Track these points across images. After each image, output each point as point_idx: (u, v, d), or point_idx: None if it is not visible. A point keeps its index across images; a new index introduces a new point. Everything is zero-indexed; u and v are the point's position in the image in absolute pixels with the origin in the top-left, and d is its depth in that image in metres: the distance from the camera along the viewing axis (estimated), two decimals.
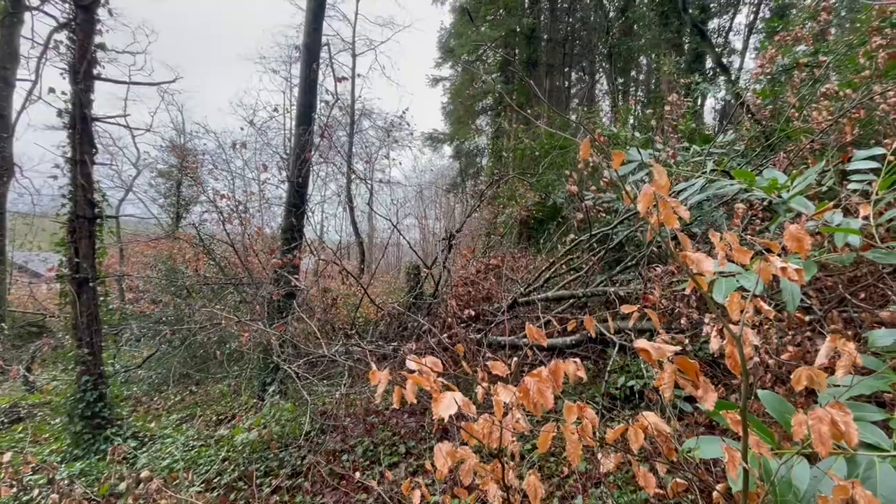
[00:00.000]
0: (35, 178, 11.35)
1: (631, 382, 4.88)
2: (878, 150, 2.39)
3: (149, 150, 19.65)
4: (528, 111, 15.50)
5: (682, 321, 4.42)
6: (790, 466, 1.20)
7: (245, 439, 4.75)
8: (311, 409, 4.32)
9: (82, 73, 5.24)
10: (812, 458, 1.31)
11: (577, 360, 1.31)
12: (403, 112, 12.11)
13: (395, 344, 6.20)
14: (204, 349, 7.18)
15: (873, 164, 2.37)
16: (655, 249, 6.10)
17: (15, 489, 2.96)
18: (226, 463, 4.49)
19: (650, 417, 1.10)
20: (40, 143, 19.58)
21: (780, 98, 7.00)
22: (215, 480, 4.17)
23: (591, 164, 5.29)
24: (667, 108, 8.02)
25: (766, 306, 0.95)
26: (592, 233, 5.77)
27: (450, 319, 5.60)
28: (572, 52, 19.80)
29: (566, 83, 21.18)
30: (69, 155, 5.38)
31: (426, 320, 6.15)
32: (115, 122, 6.06)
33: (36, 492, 2.99)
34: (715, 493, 1.26)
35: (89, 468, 4.27)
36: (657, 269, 4.57)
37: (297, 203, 7.67)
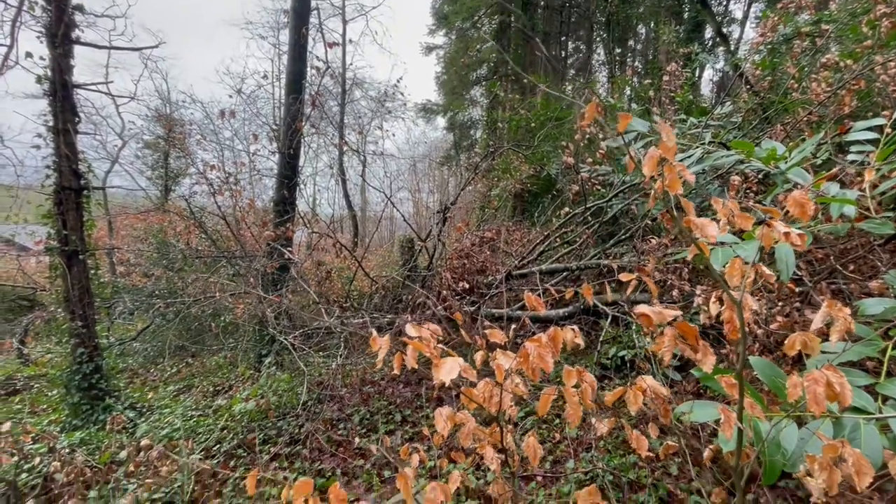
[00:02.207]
0: (17, 148, 11.01)
1: (622, 353, 4.97)
2: (879, 121, 2.38)
3: (134, 120, 19.05)
4: (525, 81, 15.19)
5: (675, 293, 4.49)
6: (780, 429, 1.25)
7: (243, 409, 4.82)
8: (308, 379, 4.37)
9: (60, 36, 5.01)
10: (799, 422, 1.36)
11: (575, 327, 1.32)
12: (398, 80, 11.78)
13: (391, 316, 6.25)
14: (199, 322, 7.19)
15: (872, 136, 2.36)
16: (650, 222, 6.12)
17: (16, 458, 2.99)
18: (224, 432, 4.56)
19: (648, 381, 1.13)
20: (20, 111, 18.87)
21: (779, 69, 6.90)
22: (215, 448, 4.24)
23: (588, 136, 5.22)
24: (665, 78, 7.90)
25: (767, 271, 0.95)
26: (587, 205, 5.76)
27: (444, 292, 5.63)
28: (569, 20, 19.28)
29: (563, 52, 20.70)
30: (51, 124, 5.20)
31: (421, 293, 6.18)
32: (97, 89, 5.84)
33: (37, 460, 3.03)
34: (706, 454, 1.30)
35: (89, 437, 4.32)
36: (652, 241, 4.58)
37: (288, 175, 7.54)
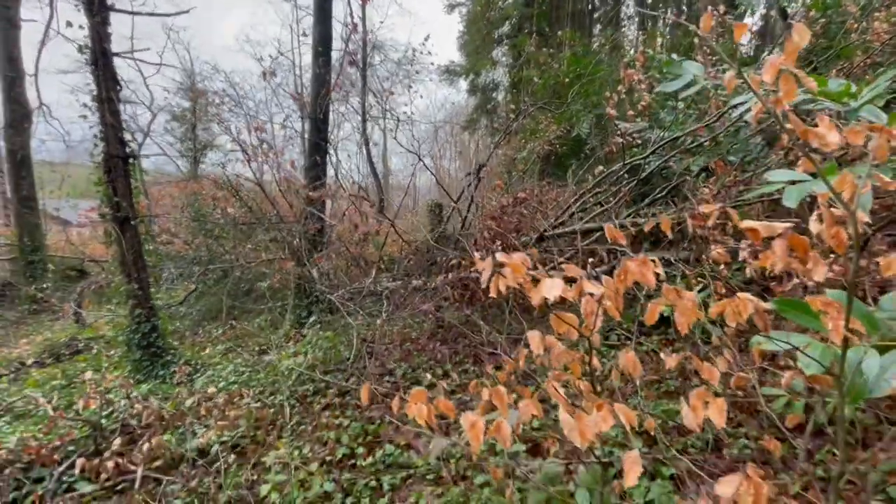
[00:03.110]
0: (55, 124, 11.37)
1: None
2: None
3: (161, 93, 19.32)
4: (550, 38, 14.56)
5: (719, 249, 4.42)
6: (862, 355, 1.26)
7: (292, 364, 5.09)
8: (356, 333, 4.55)
9: (97, 3, 5.06)
10: (881, 351, 1.37)
11: (656, 258, 1.34)
12: (425, 40, 11.46)
13: (424, 278, 6.38)
14: (241, 286, 7.50)
15: None
16: (691, 178, 5.95)
17: (100, 401, 3.28)
18: (276, 384, 4.84)
19: (745, 297, 1.14)
20: (53, 87, 19.33)
21: (832, 10, 6.42)
22: (269, 399, 4.52)
23: (631, 86, 5.04)
24: (708, 23, 7.44)
25: (886, 178, 0.94)
26: (626, 161, 5.63)
27: (479, 252, 5.68)
28: None
29: (589, 6, 19.65)
30: (95, 93, 5.34)
31: (454, 254, 6.24)
32: (135, 57, 5.93)
33: (122, 402, 3.31)
34: (785, 377, 1.33)
35: (155, 388, 4.67)
36: (706, 189, 4.48)
37: (318, 141, 7.58)
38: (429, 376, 4.65)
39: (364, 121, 15.06)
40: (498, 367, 4.88)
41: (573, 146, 10.94)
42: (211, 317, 8.77)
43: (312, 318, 5.67)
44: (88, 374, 3.41)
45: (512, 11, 17.83)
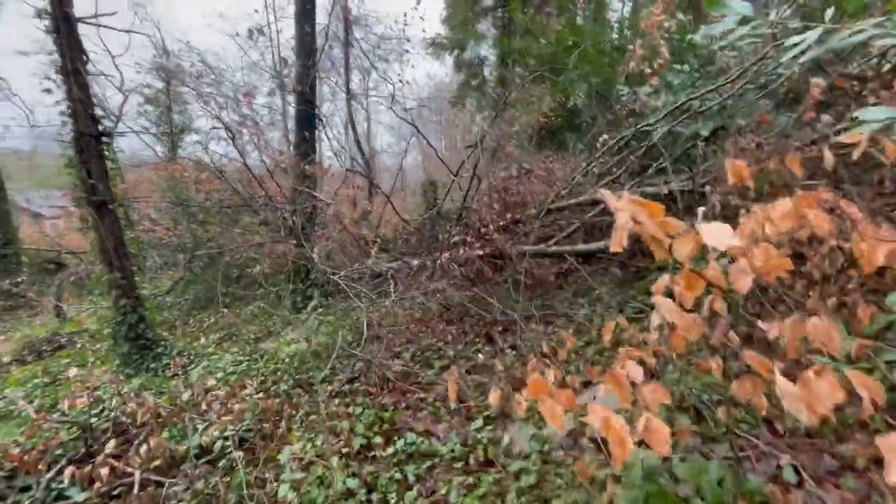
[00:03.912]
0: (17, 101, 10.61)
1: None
2: None
3: (131, 73, 18.24)
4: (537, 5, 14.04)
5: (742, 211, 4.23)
6: None
7: (293, 351, 4.80)
8: (363, 315, 4.28)
9: None
10: None
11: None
12: (417, 5, 10.82)
13: (427, 257, 6.10)
14: (239, 270, 7.12)
15: None
16: (701, 144, 5.73)
17: (88, 399, 2.98)
18: (278, 373, 4.56)
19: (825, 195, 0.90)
20: (13, 70, 18.14)
21: None
22: (272, 389, 4.25)
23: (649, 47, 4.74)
24: None
25: None
26: (637, 127, 5.37)
27: (484, 228, 5.42)
28: None
29: None
30: (59, 66, 4.83)
31: (458, 230, 5.97)
32: (99, 23, 5.39)
33: (114, 401, 3.01)
34: None
35: (147, 382, 4.35)
36: (746, 137, 4.26)
37: (307, 114, 7.14)
38: (444, 361, 4.41)
39: (349, 99, 14.47)
40: (513, 347, 4.68)
41: (567, 118, 10.63)
42: (201, 305, 8.39)
43: (313, 303, 5.37)
44: (73, 371, 3.10)
45: None
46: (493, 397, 2.03)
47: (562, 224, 6.53)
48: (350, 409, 3.69)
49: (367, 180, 6.39)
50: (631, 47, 4.84)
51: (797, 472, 2.24)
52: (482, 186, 5.86)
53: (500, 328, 5.17)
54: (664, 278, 1.06)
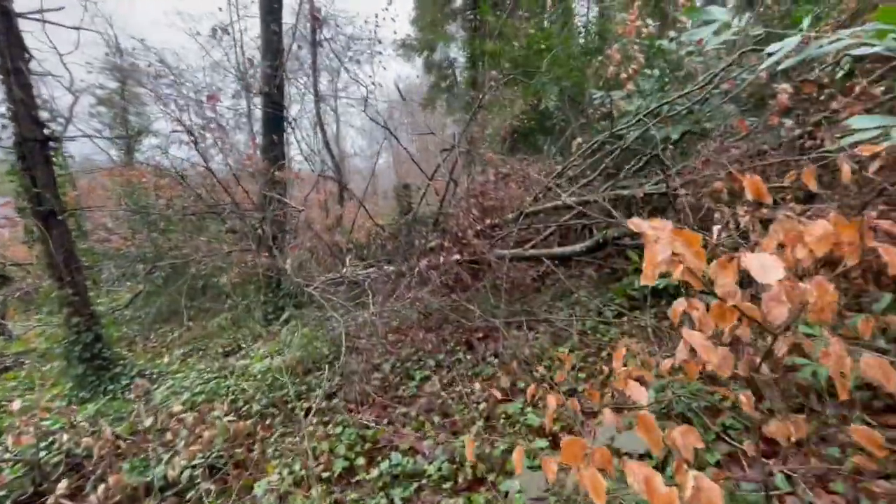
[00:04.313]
0: None
1: (656, 282, 4.82)
2: None
3: (81, 73, 17.18)
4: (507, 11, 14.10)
5: (716, 216, 4.29)
6: None
7: (265, 367, 4.56)
8: (340, 327, 4.09)
9: None
10: None
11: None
12: (388, 5, 10.58)
13: (404, 264, 5.95)
14: (205, 280, 6.76)
15: None
16: (671, 147, 5.84)
17: (34, 436, 2.68)
18: (250, 391, 4.32)
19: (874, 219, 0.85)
20: None
21: None
22: (244, 409, 4.00)
23: (628, 48, 4.76)
24: None
25: None
26: (612, 130, 5.41)
27: (462, 233, 5.32)
28: None
29: None
30: None
31: (435, 236, 5.86)
32: (44, 19, 4.97)
33: (65, 437, 2.71)
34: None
35: (104, 408, 4.02)
36: (716, 141, 4.32)
37: (275, 116, 6.87)
38: (426, 372, 4.28)
39: (318, 101, 14.10)
40: (494, 354, 4.60)
41: (539, 121, 10.68)
42: (163, 319, 7.94)
43: (286, 315, 5.13)
44: (17, 405, 2.78)
45: None
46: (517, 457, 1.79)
47: (538, 228, 6.53)
48: (329, 429, 3.51)
49: (339, 185, 6.18)
50: (607, 52, 4.86)
51: (788, 478, 2.25)
52: (459, 190, 5.76)
53: (480, 335, 5.08)
54: (681, 303, 0.98)
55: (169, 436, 2.95)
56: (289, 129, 7.45)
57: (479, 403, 3.58)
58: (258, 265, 5.23)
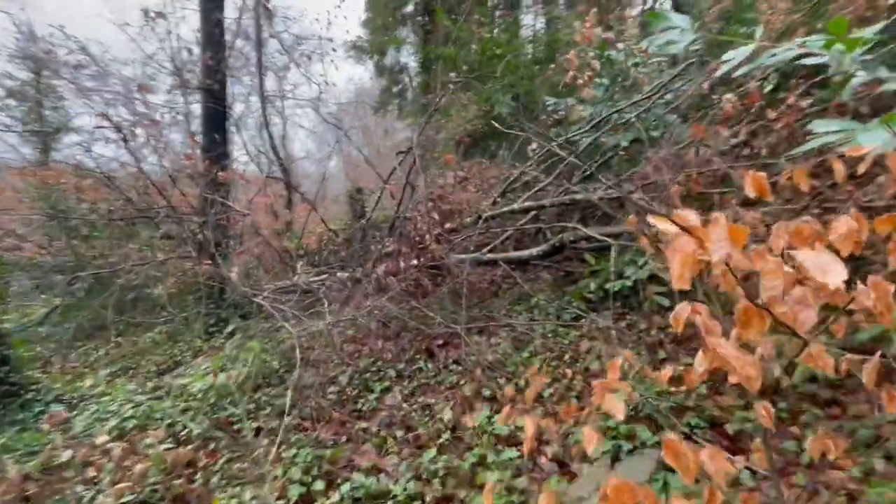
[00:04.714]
0: None
1: (610, 285, 4.89)
2: None
3: None
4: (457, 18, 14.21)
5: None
6: None
7: (207, 385, 4.16)
8: (293, 338, 3.81)
9: None
10: None
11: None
12: (340, 3, 10.24)
13: (359, 270, 5.72)
14: (136, 292, 6.13)
15: None
16: (622, 153, 6.04)
17: None
18: (190, 413, 3.91)
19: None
20: None
21: None
22: (184, 434, 3.61)
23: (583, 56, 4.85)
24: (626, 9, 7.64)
25: None
26: (568, 136, 5.51)
27: (422, 238, 5.19)
28: None
29: None
30: None
31: (392, 241, 5.68)
32: None
33: None
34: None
35: (12, 442, 3.47)
36: (664, 148, 4.47)
37: (217, 112, 6.41)
38: (385, 383, 4.08)
39: (263, 99, 13.44)
40: (456, 361, 4.48)
41: (492, 126, 10.79)
42: (86, 335, 7.13)
43: (231, 327, 4.73)
44: None
45: None
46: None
47: (496, 232, 6.53)
48: (282, 451, 3.23)
49: (288, 187, 5.84)
50: (565, 57, 4.94)
51: (752, 473, 2.30)
52: (416, 194, 5.63)
53: (440, 342, 4.96)
54: (684, 308, 0.90)
55: (92, 471, 2.57)
56: (232, 129, 6.97)
57: (443, 413, 3.44)
58: (199, 274, 4.80)
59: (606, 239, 4.81)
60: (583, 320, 4.77)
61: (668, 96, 6.02)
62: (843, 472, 2.21)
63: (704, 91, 5.16)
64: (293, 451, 3.16)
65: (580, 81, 4.55)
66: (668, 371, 1.26)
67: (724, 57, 2.73)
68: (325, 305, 4.07)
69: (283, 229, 5.26)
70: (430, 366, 4.33)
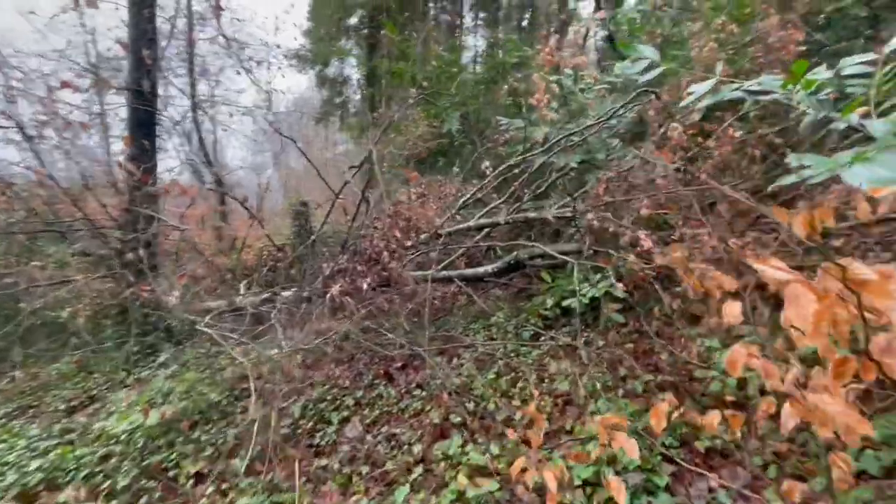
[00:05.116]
0: None
1: (567, 302, 4.96)
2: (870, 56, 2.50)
3: None
4: (407, 34, 14.27)
5: (623, 240, 4.60)
6: None
7: (134, 424, 3.63)
8: (240, 368, 3.42)
9: None
10: None
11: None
12: (291, 6, 9.77)
13: (309, 289, 5.38)
14: (40, 317, 5.26)
15: (868, 69, 2.48)
16: (571, 174, 6.26)
17: None
18: (112, 461, 3.37)
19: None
20: None
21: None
22: (105, 487, 3.09)
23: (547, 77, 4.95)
24: (567, 37, 8.03)
25: None
26: (525, 155, 5.61)
27: (378, 255, 4.98)
28: None
29: (442, 4, 20.05)
30: None
31: (345, 258, 5.40)
32: None
33: None
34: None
35: None
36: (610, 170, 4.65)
37: (145, 120, 5.81)
38: (344, 413, 3.79)
39: (194, 104, 12.51)
40: (418, 385, 4.28)
41: (442, 143, 10.82)
42: None
43: (163, 356, 4.19)
44: None
45: (365, 1, 17.04)
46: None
47: (451, 249, 6.47)
48: (229, 498, 2.85)
49: (224, 199, 5.37)
50: (532, 79, 5.05)
51: (724, 487, 2.36)
52: (372, 209, 5.42)
53: (398, 364, 4.74)
54: (739, 352, 0.85)
55: None
56: (163, 135, 6.35)
57: (411, 444, 3.24)
58: (123, 296, 4.22)
59: (562, 256, 4.90)
60: (542, 338, 4.79)
61: (613, 121, 6.36)
62: (807, 484, 2.32)
63: (649, 118, 5.49)
64: (244, 499, 2.80)
65: (542, 104, 4.65)
66: (714, 416, 1.20)
67: (690, 89, 2.85)
68: (277, 329, 3.71)
69: (226, 246, 4.78)
70: (391, 391, 4.09)
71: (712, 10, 5.92)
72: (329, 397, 4.10)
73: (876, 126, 1.87)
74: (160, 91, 10.93)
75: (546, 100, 4.84)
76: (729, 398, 2.95)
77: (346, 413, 3.84)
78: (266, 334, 4.08)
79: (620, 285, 4.02)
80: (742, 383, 2.95)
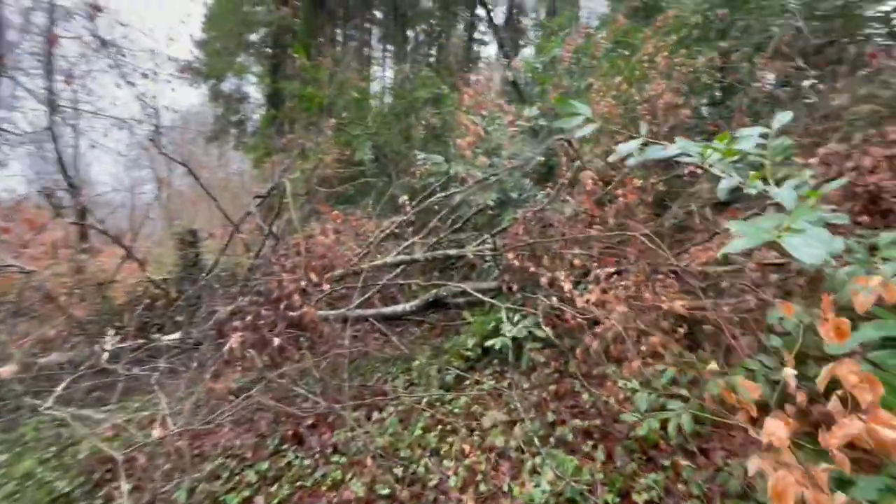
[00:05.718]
0: None
1: (492, 342, 4.82)
2: (759, 129, 2.84)
3: None
4: (316, 58, 13.81)
5: (543, 279, 4.67)
6: None
7: None
8: (97, 444, 2.65)
9: None
10: None
11: None
12: (184, 18, 8.67)
13: (199, 334, 4.59)
14: None
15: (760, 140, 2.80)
16: (489, 211, 6.35)
17: None
18: None
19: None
20: None
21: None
22: None
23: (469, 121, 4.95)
24: (479, 79, 8.34)
25: None
26: (447, 193, 5.53)
27: (287, 296, 4.45)
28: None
29: (349, 33, 19.94)
30: None
31: (247, 299, 4.75)
32: None
33: None
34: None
35: None
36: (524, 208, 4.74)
37: None
38: (246, 492, 3.15)
39: (52, 109, 10.53)
40: (335, 448, 3.76)
41: (352, 174, 10.44)
42: None
43: None
44: None
45: (268, 18, 16.23)
46: None
47: (366, 287, 6.10)
48: None
49: (118, 236, 4.41)
50: (465, 122, 5.04)
51: None
52: (280, 244, 4.86)
53: (309, 422, 4.17)
54: (777, 425, 0.74)
55: None
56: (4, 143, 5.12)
57: None
58: None
59: (486, 298, 4.84)
60: (466, 382, 4.60)
61: (518, 161, 6.65)
62: None
63: (558, 162, 5.83)
64: None
65: (469, 145, 4.66)
66: None
67: (620, 146, 2.97)
68: (159, 395, 3.00)
69: (93, 285, 3.83)
70: (303, 459, 3.52)
71: (610, 67, 6.58)
72: (224, 473, 3.41)
73: (782, 194, 2.04)
74: (4, 91, 9.05)
75: (473, 140, 4.86)
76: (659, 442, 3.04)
77: (247, 493, 3.19)
78: (139, 393, 3.29)
79: (547, 327, 4.03)
80: (664, 424, 3.05)
